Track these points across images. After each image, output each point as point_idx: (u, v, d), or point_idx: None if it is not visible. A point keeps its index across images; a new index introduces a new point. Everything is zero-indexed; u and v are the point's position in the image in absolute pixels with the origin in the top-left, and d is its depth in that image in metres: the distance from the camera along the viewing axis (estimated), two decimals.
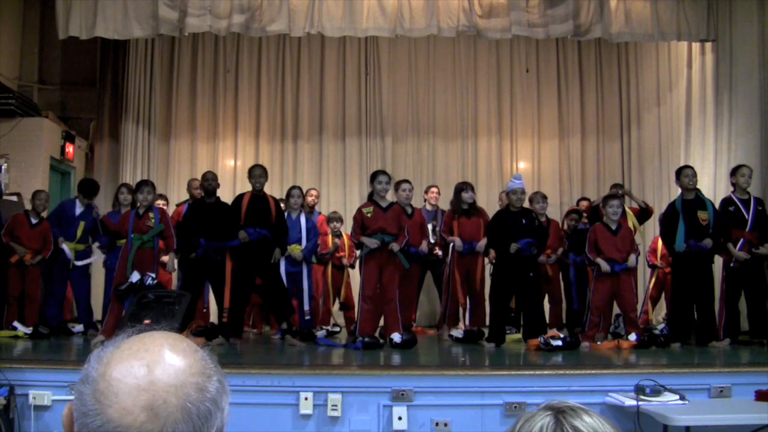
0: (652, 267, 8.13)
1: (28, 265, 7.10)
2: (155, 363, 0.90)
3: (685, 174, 6.68)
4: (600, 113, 10.64)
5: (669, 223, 6.66)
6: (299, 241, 7.15)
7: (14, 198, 8.42)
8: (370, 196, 6.89)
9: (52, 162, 9.26)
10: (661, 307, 8.39)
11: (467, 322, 7.34)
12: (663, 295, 8.20)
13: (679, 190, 6.80)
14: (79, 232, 7.38)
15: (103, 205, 8.88)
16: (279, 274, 6.73)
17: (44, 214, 7.48)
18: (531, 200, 7.67)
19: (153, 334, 0.96)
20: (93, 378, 0.90)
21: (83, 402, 0.89)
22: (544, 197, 7.76)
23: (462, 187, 7.39)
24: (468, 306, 7.39)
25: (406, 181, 7.73)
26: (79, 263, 7.40)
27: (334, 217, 8.23)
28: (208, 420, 0.90)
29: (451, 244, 7.26)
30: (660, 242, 8.01)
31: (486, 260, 7.64)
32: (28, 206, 7.63)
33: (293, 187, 7.55)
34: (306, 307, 7.11)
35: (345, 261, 8.15)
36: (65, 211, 7.49)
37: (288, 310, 6.71)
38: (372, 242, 6.55)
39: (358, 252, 7.43)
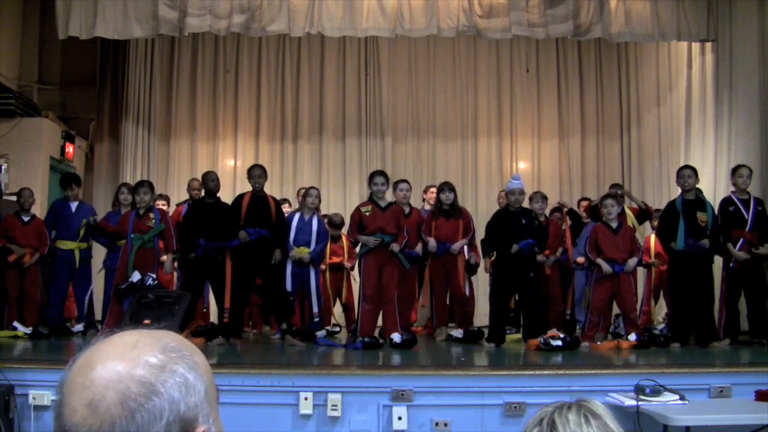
0: (647, 266, 8.11)
1: (27, 265, 7.09)
2: (99, 360, 0.92)
3: (680, 175, 6.68)
4: (600, 113, 10.65)
5: (667, 222, 6.66)
6: (308, 244, 7.07)
7: (14, 198, 8.41)
8: (371, 196, 6.89)
9: (52, 162, 9.27)
10: (661, 306, 8.39)
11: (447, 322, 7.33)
12: (661, 293, 8.19)
13: (680, 190, 6.80)
14: (81, 231, 7.36)
15: (103, 204, 8.90)
16: (279, 274, 6.73)
17: (34, 209, 7.46)
18: (531, 199, 7.65)
19: (120, 334, 0.97)
20: (62, 382, 0.94)
21: (55, 405, 0.94)
22: (544, 197, 7.74)
23: (441, 188, 7.32)
24: (453, 307, 7.37)
25: (404, 180, 7.70)
26: None
27: (335, 221, 8.18)
28: (154, 414, 0.89)
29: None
30: (653, 240, 8.02)
31: (481, 263, 7.63)
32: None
33: (311, 188, 7.48)
34: (315, 309, 7.10)
35: (347, 264, 8.12)
36: (60, 211, 7.45)
37: (288, 311, 6.70)
38: (371, 240, 6.55)
39: (357, 249, 7.42)
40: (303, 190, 8.46)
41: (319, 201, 7.39)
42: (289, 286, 6.96)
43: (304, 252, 6.99)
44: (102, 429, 0.88)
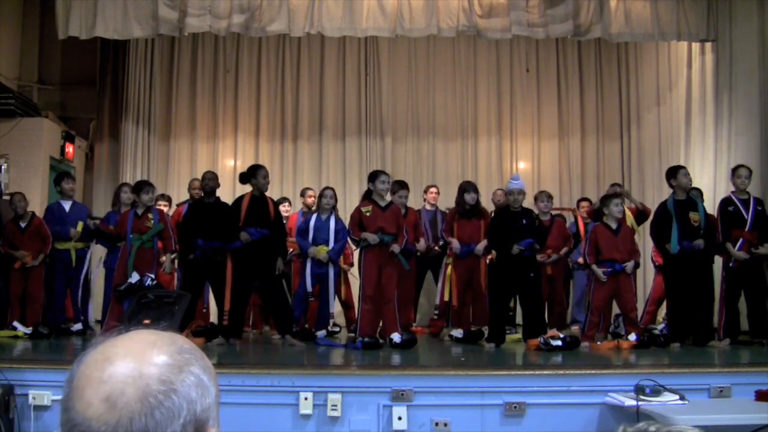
0: (658, 267, 8.08)
1: (30, 265, 7.08)
2: (117, 356, 0.92)
3: (683, 173, 6.64)
4: (600, 113, 10.64)
5: (662, 225, 6.64)
6: (327, 242, 7.07)
7: None
8: (367, 195, 6.86)
9: (52, 162, 9.27)
10: (661, 306, 8.39)
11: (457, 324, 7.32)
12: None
13: (669, 191, 6.78)
14: (79, 228, 7.35)
15: (103, 204, 8.90)
16: (279, 279, 6.73)
17: (35, 208, 7.44)
18: (536, 199, 7.64)
19: (136, 332, 0.98)
20: (71, 377, 0.94)
21: (63, 399, 0.94)
22: (550, 197, 7.73)
23: (465, 187, 7.26)
24: (470, 306, 7.36)
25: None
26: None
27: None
28: (172, 411, 0.90)
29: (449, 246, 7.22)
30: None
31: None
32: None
33: (326, 188, 7.47)
34: (331, 309, 7.15)
35: (344, 265, 8.10)
36: (54, 213, 7.44)
37: (289, 318, 6.69)
38: (372, 237, 6.54)
39: (354, 246, 7.42)
40: (310, 191, 8.49)
41: (335, 201, 7.38)
42: (309, 287, 6.97)
43: (322, 251, 7.00)
44: (120, 424, 0.88)
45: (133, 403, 0.88)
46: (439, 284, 7.92)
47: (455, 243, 7.06)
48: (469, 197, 7.14)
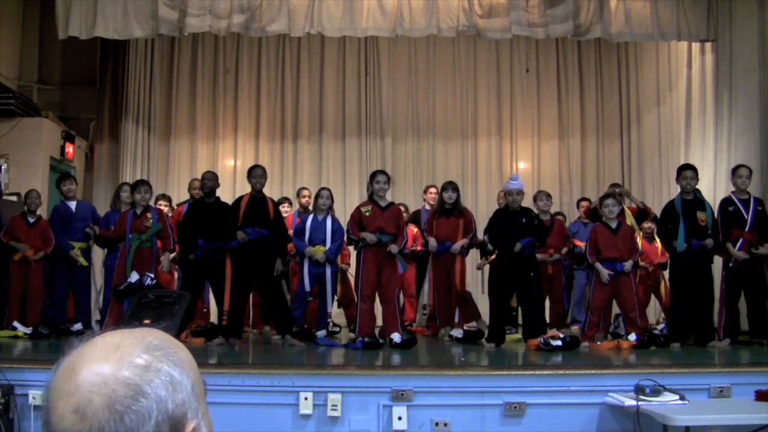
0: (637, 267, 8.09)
1: (32, 261, 7.08)
2: (83, 365, 0.91)
3: (684, 177, 6.65)
4: (600, 113, 10.65)
5: (668, 223, 6.66)
6: (324, 243, 7.07)
7: (14, 198, 8.42)
8: (371, 196, 6.88)
9: (52, 162, 9.27)
10: (659, 307, 8.39)
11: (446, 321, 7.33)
12: (652, 295, 8.19)
13: (678, 190, 6.80)
14: (78, 254, 7.37)
15: (103, 204, 8.89)
16: (277, 279, 6.72)
17: (40, 212, 7.46)
18: (535, 198, 7.66)
19: (101, 336, 0.96)
20: (48, 387, 0.93)
21: (42, 412, 0.94)
22: (548, 196, 7.75)
23: (444, 187, 7.37)
24: (455, 306, 7.37)
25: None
26: None
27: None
28: (142, 414, 0.89)
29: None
30: (639, 241, 8.00)
31: (479, 262, 7.64)
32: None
33: (322, 188, 7.50)
34: (329, 309, 7.17)
35: (342, 265, 8.08)
36: (62, 213, 7.45)
37: (288, 318, 6.69)
38: (371, 237, 6.54)
39: (351, 248, 7.41)
40: (305, 191, 8.50)
41: (332, 201, 7.39)
42: (307, 286, 6.98)
43: (319, 252, 6.99)
44: None
45: (101, 411, 0.87)
46: (425, 285, 7.96)
47: (432, 241, 7.14)
48: (446, 195, 7.21)
